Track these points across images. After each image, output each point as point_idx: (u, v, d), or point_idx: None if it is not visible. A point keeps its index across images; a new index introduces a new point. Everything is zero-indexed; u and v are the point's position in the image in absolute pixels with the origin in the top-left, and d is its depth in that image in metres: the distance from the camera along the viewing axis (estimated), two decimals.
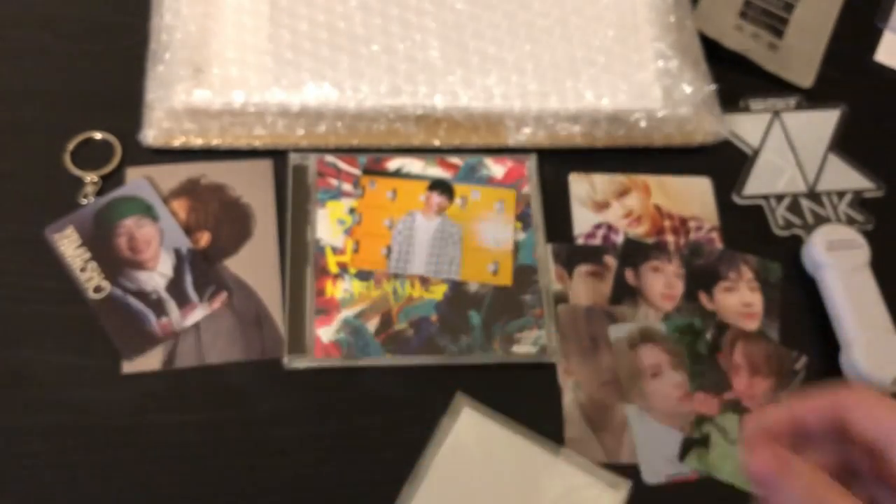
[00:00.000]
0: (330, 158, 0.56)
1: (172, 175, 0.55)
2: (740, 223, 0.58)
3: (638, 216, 0.57)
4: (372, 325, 0.51)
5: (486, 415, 0.41)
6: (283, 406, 0.49)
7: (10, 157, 0.55)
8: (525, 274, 0.53)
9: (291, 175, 0.55)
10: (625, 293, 0.54)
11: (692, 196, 0.58)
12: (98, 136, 0.56)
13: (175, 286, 0.51)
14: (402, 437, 0.48)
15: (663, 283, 0.55)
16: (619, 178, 0.58)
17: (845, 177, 0.60)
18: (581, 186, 0.58)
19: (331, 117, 0.56)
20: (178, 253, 0.52)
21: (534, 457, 0.40)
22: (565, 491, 0.39)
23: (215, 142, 0.56)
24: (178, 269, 0.52)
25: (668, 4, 0.61)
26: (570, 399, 0.50)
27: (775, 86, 0.64)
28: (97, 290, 0.51)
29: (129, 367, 0.49)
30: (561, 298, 0.53)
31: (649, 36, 0.60)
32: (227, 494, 0.46)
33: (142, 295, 0.51)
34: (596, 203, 0.57)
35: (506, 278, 0.53)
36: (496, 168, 0.57)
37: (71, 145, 0.55)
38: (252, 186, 0.55)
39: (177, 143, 0.55)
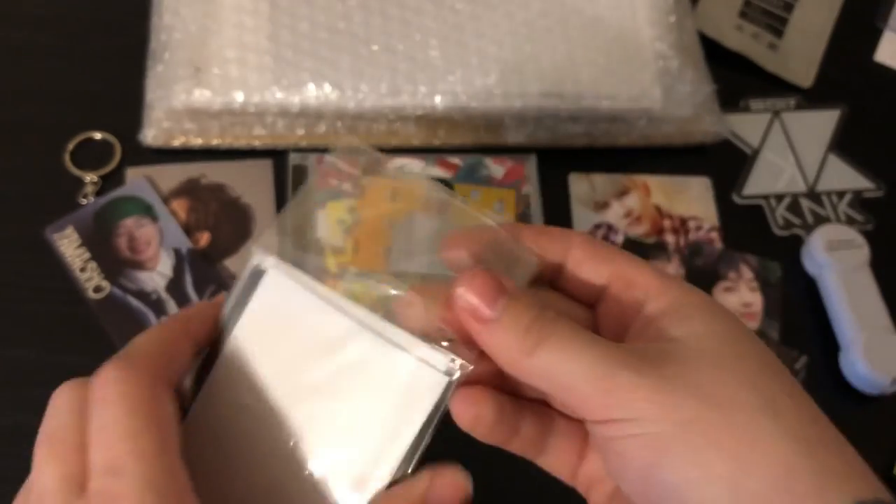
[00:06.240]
0: (330, 158, 0.56)
1: (172, 175, 0.55)
2: (740, 223, 0.58)
3: (638, 216, 0.57)
4: None
5: (296, 279, 0.32)
6: None
7: (10, 157, 0.55)
8: None
9: (291, 175, 0.55)
10: None
11: (692, 196, 0.58)
12: (98, 136, 0.56)
13: (175, 286, 0.51)
14: None
15: None
16: (619, 178, 0.58)
17: (845, 177, 0.60)
18: (581, 186, 0.58)
19: (331, 117, 0.56)
20: (178, 253, 0.52)
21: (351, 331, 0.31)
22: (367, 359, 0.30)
23: (215, 142, 0.56)
24: (177, 269, 0.52)
25: (668, 4, 0.61)
26: None
27: (775, 86, 0.64)
28: (97, 290, 0.51)
29: None
30: None
31: (649, 36, 0.60)
32: None
33: (142, 295, 0.51)
34: (596, 203, 0.57)
35: None
36: (496, 168, 0.57)
37: (71, 145, 0.55)
38: (252, 186, 0.55)
39: (177, 143, 0.55)
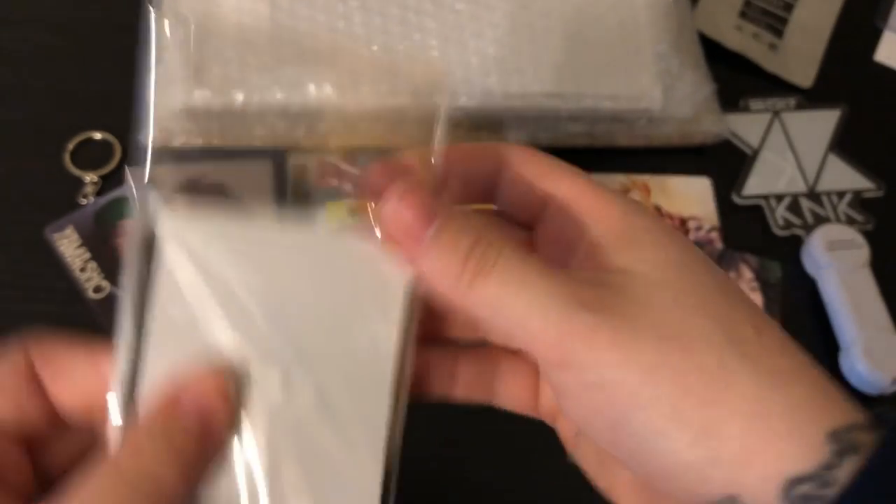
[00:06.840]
0: (330, 158, 0.56)
1: (172, 175, 0.55)
2: (740, 223, 0.58)
3: None
4: None
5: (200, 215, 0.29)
6: None
7: (10, 157, 0.55)
8: None
9: (291, 175, 0.55)
10: None
11: (692, 196, 0.58)
12: (98, 136, 0.56)
13: None
14: None
15: None
16: (619, 178, 0.58)
17: (845, 177, 0.60)
18: None
19: (331, 117, 0.56)
20: None
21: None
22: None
23: (215, 142, 0.56)
24: None
25: (668, 4, 0.61)
26: None
27: (775, 86, 0.64)
28: (97, 290, 0.51)
29: None
30: None
31: (649, 36, 0.60)
32: None
33: None
34: None
35: None
36: None
37: (71, 145, 0.55)
38: (252, 186, 0.55)
39: (177, 143, 0.55)
